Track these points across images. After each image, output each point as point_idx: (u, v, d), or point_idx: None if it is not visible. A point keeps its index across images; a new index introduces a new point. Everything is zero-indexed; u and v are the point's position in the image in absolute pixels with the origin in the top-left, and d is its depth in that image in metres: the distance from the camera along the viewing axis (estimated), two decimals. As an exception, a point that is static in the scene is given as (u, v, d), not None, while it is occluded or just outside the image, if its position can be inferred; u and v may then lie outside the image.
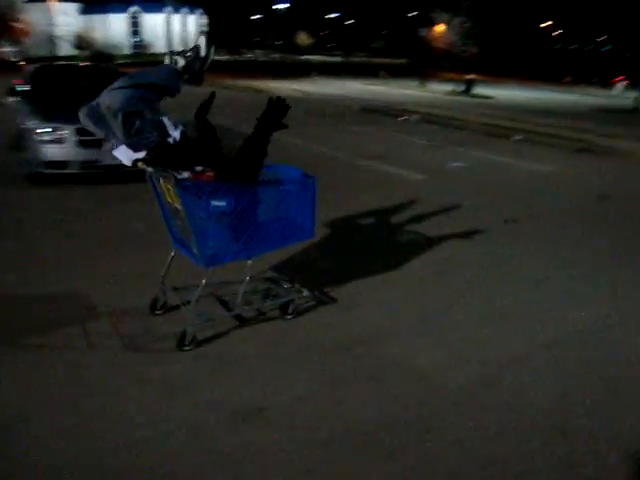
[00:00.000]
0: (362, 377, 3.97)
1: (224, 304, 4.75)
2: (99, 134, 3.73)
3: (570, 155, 14.06)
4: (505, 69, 65.82)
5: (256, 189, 3.93)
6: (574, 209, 8.92)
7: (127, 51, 69.24)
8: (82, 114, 3.68)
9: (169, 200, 3.98)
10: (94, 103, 3.64)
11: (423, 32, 47.44)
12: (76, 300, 4.85)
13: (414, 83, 40.45)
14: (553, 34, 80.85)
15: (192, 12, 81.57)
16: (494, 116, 21.58)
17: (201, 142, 4.01)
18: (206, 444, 3.25)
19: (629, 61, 62.85)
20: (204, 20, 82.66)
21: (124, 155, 3.67)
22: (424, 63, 43.06)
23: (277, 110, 3.97)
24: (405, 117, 19.82)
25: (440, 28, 46.34)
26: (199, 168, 3.75)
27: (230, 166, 3.86)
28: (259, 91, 27.43)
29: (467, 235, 7.13)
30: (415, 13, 68.52)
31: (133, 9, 74.16)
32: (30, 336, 4.26)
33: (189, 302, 4.26)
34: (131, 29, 75.00)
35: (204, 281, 4.02)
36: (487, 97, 32.80)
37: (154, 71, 3.81)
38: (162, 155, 3.68)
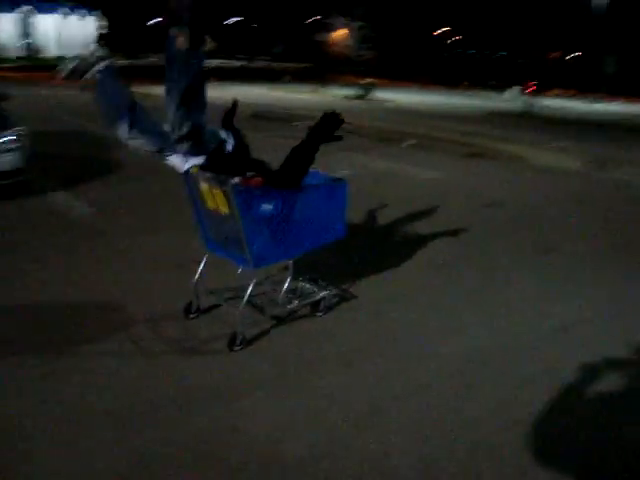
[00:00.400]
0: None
1: (255, 305, 4.80)
2: (148, 146, 3.88)
3: (461, 160, 13.76)
4: (406, 74, 66.84)
5: (299, 194, 4.16)
6: (461, 218, 8.42)
7: (16, 54, 65.23)
8: (126, 129, 3.77)
9: (211, 206, 4.13)
10: (148, 121, 3.85)
11: (321, 37, 47.26)
12: (112, 308, 5.00)
13: (314, 88, 40.04)
14: (451, 39, 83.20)
15: (89, 14, 78.02)
16: (389, 120, 21.33)
17: (240, 149, 4.18)
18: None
19: (521, 67, 65.12)
20: (102, 22, 79.36)
21: (179, 162, 4.00)
22: (323, 67, 42.79)
23: (331, 123, 4.13)
24: (297, 123, 19.08)
25: (338, 33, 46.30)
26: (250, 174, 4.02)
27: (279, 172, 4.15)
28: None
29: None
30: (315, 18, 68.44)
31: (24, 8, 69.96)
32: (79, 345, 4.34)
33: (225, 303, 4.75)
34: (21, 30, 70.78)
35: (255, 280, 4.32)
36: (385, 101, 32.78)
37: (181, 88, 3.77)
38: (218, 162, 4.00)
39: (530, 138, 19.22)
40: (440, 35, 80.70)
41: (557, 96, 71.69)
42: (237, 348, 4.25)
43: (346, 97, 34.98)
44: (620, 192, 11.00)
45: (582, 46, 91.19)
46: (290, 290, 4.82)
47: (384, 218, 8.23)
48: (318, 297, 4.89)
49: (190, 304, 4.74)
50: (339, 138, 4.20)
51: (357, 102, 32.05)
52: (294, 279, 4.95)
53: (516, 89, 52.62)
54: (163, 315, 4.82)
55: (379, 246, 7.17)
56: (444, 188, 10.53)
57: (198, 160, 3.96)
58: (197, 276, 4.63)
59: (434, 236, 7.42)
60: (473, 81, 71.41)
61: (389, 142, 15.99)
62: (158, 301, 5.09)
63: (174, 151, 3.92)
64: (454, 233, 7.57)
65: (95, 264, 6.01)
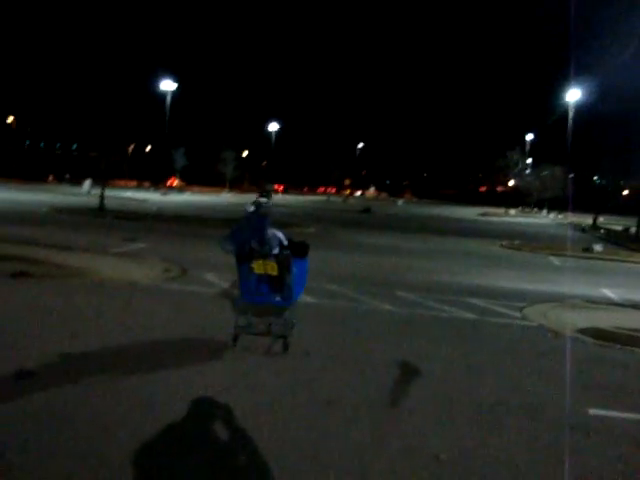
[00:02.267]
0: None
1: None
2: (240, 252, 7.16)
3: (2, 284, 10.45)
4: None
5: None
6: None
7: None
8: (227, 243, 7.26)
9: (259, 271, 7.15)
10: (242, 238, 7.16)
11: None
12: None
13: None
14: (24, 130, 77.39)
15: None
16: None
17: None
18: None
19: (94, 160, 63.50)
20: None
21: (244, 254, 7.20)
22: None
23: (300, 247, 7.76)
24: None
25: None
26: (286, 252, 7.25)
27: (298, 251, 7.54)
28: None
29: None
30: None
31: None
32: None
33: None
34: None
35: (288, 311, 7.40)
36: None
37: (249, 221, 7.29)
38: (282, 248, 7.30)
39: (100, 241, 17.00)
40: (6, 125, 74.33)
41: (130, 188, 72.78)
42: (287, 350, 7.15)
43: None
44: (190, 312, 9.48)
45: (153, 139, 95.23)
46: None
47: None
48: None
49: (236, 336, 7.28)
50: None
51: None
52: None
53: (88, 183, 50.92)
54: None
55: None
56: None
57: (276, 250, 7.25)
58: (240, 320, 7.41)
59: None
60: (57, 175, 67.45)
61: None
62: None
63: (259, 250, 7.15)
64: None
65: None
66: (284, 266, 7.16)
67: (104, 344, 7.01)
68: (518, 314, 10.66)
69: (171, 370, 6.27)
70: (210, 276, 12.25)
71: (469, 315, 10.21)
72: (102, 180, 32.74)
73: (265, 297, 7.28)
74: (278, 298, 7.25)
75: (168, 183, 75.30)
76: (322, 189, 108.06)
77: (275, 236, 7.32)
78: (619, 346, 8.54)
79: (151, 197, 51.45)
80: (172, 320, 8.47)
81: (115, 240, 17.19)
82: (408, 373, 6.71)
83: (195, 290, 10.85)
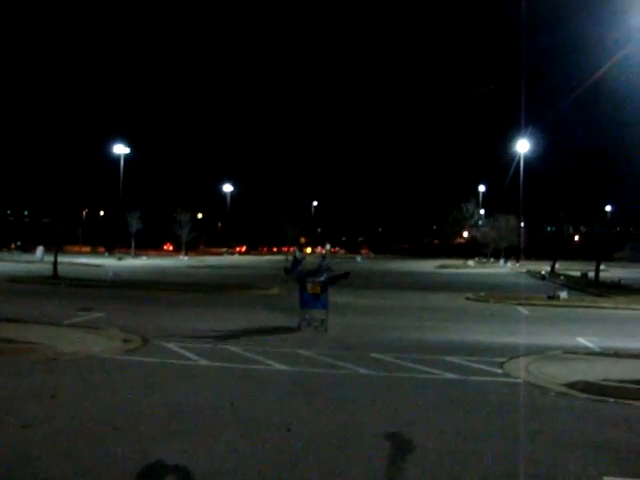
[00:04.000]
0: None
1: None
2: (301, 280, 14.82)
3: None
4: None
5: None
6: None
7: None
8: (293, 276, 15.48)
9: (312, 291, 14.36)
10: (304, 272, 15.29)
11: None
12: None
13: None
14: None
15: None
16: None
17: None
18: None
19: (46, 226, 61.86)
20: None
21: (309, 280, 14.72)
22: None
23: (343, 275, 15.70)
24: None
25: None
26: (323, 278, 14.73)
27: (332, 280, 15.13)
28: None
29: None
30: None
31: None
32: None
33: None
34: None
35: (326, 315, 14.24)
36: None
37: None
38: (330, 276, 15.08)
39: (54, 311, 16.09)
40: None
41: (84, 254, 71.10)
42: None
43: None
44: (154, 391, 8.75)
45: (107, 203, 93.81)
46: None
47: None
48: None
49: (300, 326, 14.28)
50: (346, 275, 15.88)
51: None
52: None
53: (40, 249, 49.44)
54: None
55: None
56: None
57: (320, 278, 14.64)
58: (299, 320, 14.44)
59: None
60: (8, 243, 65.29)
61: None
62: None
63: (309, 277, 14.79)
64: None
65: None
66: (323, 288, 14.43)
67: (58, 437, 6.24)
68: (499, 370, 10.23)
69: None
70: (173, 345, 11.53)
71: (450, 375, 9.72)
72: (55, 246, 31.61)
73: (313, 304, 14.49)
74: (320, 305, 14.40)
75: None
76: (285, 248, 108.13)
77: (321, 270, 15.05)
78: (612, 400, 8.15)
79: (106, 262, 50.10)
80: (139, 401, 7.72)
81: (70, 309, 16.30)
82: (400, 447, 6.13)
83: (159, 362, 10.12)
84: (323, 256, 21.38)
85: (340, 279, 15.38)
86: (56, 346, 10.90)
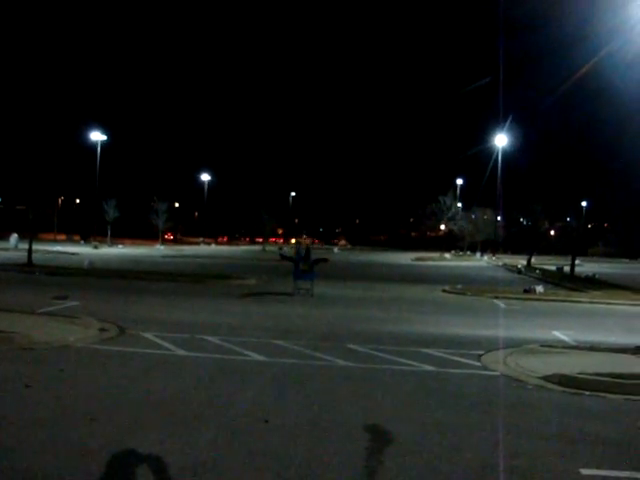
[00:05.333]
0: None
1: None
2: (297, 260, 21.53)
3: None
4: None
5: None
6: None
7: None
8: (290, 258, 23.69)
9: (303, 268, 20.77)
10: (298, 257, 21.82)
11: None
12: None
13: None
14: None
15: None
16: None
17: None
18: None
19: (21, 213, 60.87)
20: None
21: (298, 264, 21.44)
22: None
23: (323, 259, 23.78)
24: None
25: None
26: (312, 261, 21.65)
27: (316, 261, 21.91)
28: None
29: None
30: None
31: None
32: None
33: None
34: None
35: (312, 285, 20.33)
36: None
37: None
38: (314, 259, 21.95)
39: (29, 299, 15.83)
40: None
41: (59, 241, 70.17)
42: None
43: None
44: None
45: (83, 191, 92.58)
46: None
47: None
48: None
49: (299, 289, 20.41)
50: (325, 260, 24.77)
51: None
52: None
53: (14, 237, 48.64)
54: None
55: None
56: None
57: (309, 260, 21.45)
58: (295, 286, 20.45)
59: None
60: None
61: None
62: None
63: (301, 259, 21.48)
64: None
65: None
66: (311, 266, 20.66)
67: (33, 427, 6.14)
68: (477, 363, 10.29)
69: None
70: (150, 335, 11.42)
71: (428, 367, 9.75)
72: (30, 234, 31.11)
73: (303, 277, 20.37)
74: (308, 278, 20.19)
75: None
76: (272, 239, 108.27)
77: (310, 255, 21.40)
78: (588, 393, 8.24)
79: (82, 250, 49.54)
80: (115, 391, 7.62)
81: (45, 298, 16.05)
82: (380, 440, 6.12)
83: (136, 352, 10.01)
84: (307, 246, 29.46)
85: (320, 262, 22.12)
86: (31, 335, 10.72)
